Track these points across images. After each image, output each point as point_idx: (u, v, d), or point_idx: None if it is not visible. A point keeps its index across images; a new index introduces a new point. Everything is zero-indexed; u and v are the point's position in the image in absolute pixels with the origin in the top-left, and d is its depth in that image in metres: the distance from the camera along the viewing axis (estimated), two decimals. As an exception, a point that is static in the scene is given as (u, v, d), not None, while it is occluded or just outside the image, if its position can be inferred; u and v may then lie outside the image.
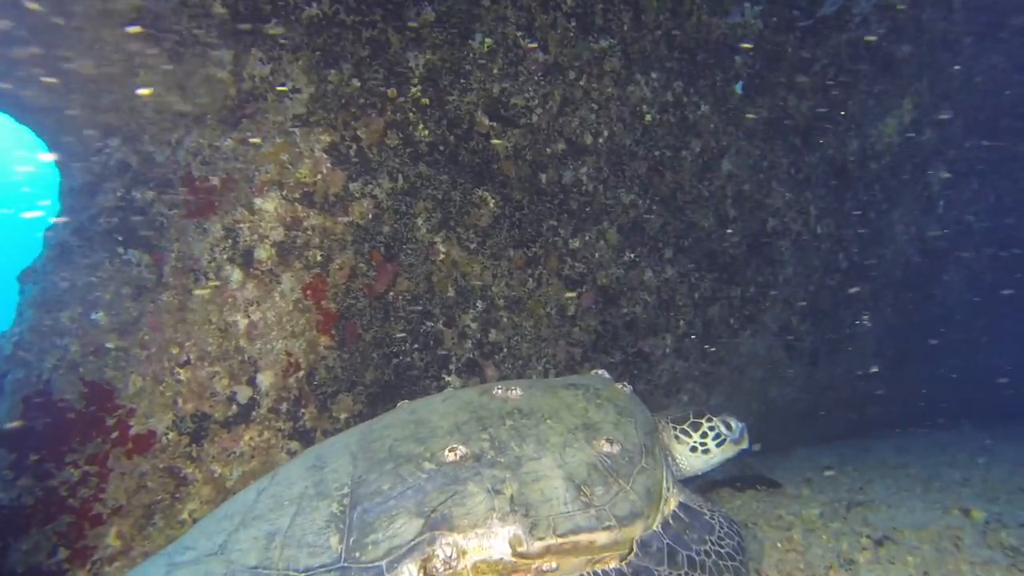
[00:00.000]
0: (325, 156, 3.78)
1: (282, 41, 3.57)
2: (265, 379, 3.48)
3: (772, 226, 5.50)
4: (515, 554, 2.30)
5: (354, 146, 3.89)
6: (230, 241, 3.48)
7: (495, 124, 4.42)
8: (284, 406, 3.54)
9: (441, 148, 4.21)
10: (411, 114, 4.09)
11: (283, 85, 3.64)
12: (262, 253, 3.54)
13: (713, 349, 5.38)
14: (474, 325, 4.27)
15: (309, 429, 3.62)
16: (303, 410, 3.60)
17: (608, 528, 2.44)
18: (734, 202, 5.29)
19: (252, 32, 3.46)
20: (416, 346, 4.03)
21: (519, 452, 2.61)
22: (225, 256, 3.46)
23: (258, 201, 3.57)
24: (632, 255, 5.01)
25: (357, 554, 2.23)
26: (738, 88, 5.18)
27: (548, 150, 4.63)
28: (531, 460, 2.59)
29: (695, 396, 5.44)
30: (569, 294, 4.69)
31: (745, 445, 3.41)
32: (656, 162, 5.01)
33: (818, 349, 6.06)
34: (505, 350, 4.41)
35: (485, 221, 4.34)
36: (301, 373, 3.60)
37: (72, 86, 3.14)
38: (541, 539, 2.31)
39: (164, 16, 3.11)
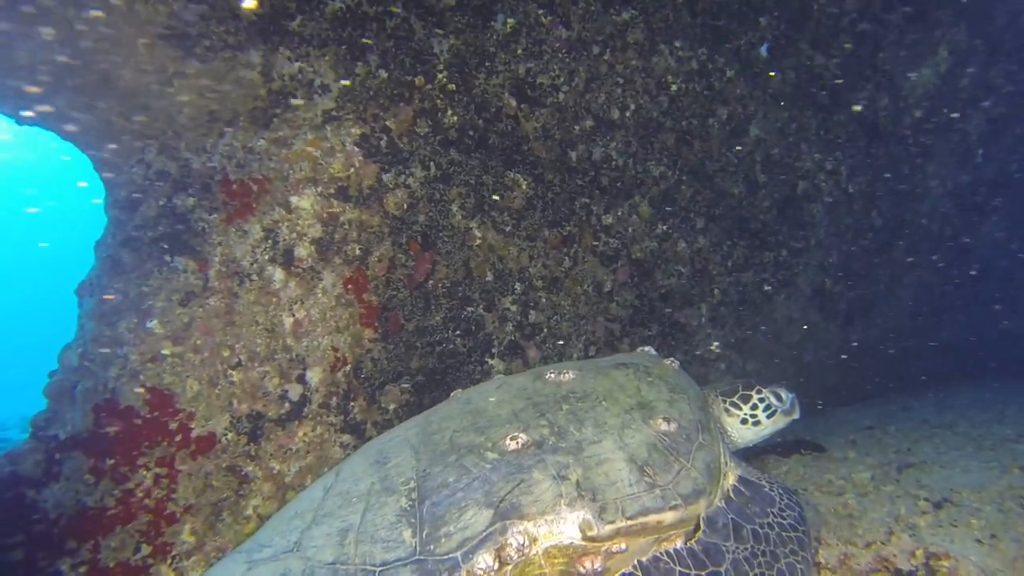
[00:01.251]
0: (357, 149, 3.75)
1: (308, 37, 3.53)
2: (314, 375, 3.51)
3: (802, 189, 5.40)
4: (585, 538, 2.31)
5: (384, 137, 3.86)
6: (270, 241, 3.48)
7: (523, 105, 4.36)
8: (334, 401, 3.57)
9: (471, 133, 4.16)
10: (439, 101, 4.04)
11: (312, 81, 3.61)
12: (302, 251, 3.54)
13: (747, 315, 5.35)
14: (514, 307, 4.26)
15: (359, 422, 3.66)
16: (352, 403, 3.63)
17: (674, 507, 2.44)
18: (763, 167, 5.18)
19: (279, 31, 3.43)
20: (458, 332, 4.04)
21: (579, 436, 2.61)
22: (266, 257, 3.46)
23: (294, 199, 3.56)
24: (664, 227, 4.96)
25: (431, 547, 2.25)
26: (763, 51, 5.05)
27: (576, 127, 4.56)
28: (592, 444, 2.58)
29: (732, 364, 5.42)
30: (605, 270, 4.66)
31: (796, 415, 3.38)
32: (684, 132, 4.92)
33: (853, 309, 5.99)
34: (545, 330, 4.40)
35: (518, 203, 4.30)
36: (348, 367, 3.62)
37: (111, 99, 3.14)
38: (611, 522, 2.31)
39: (194, 23, 3.08)
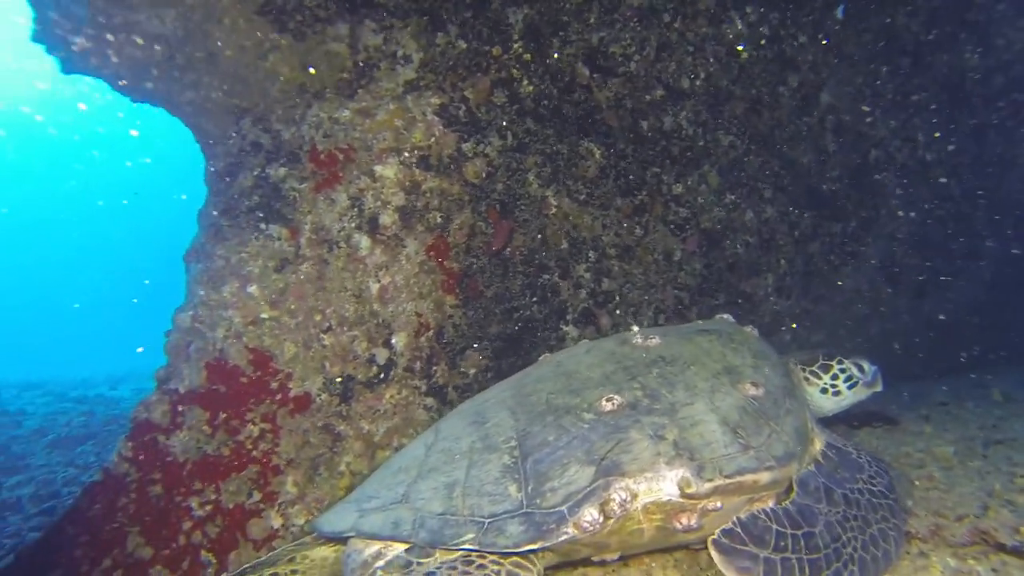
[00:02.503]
0: (437, 119, 3.78)
1: (392, 8, 3.56)
2: (399, 340, 3.59)
3: (875, 157, 5.25)
4: (684, 495, 2.35)
5: (463, 107, 3.88)
6: (356, 210, 3.55)
7: (595, 75, 4.33)
8: (418, 365, 3.66)
9: (545, 103, 4.15)
10: (515, 70, 4.03)
11: (394, 52, 3.65)
12: (386, 219, 3.60)
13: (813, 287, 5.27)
14: (587, 275, 4.28)
15: (441, 385, 3.74)
16: (435, 368, 3.71)
17: (769, 468, 2.46)
18: (834, 135, 5.04)
19: (366, 3, 3.46)
20: (535, 299, 4.08)
21: (671, 399, 2.63)
22: (353, 224, 3.54)
23: (378, 168, 3.62)
24: (733, 197, 4.89)
25: (537, 500, 2.32)
26: (839, 12, 4.89)
27: (647, 97, 4.50)
28: (684, 406, 2.61)
29: (797, 335, 5.36)
30: (675, 240, 4.64)
31: (879, 388, 3.33)
32: (753, 101, 4.82)
33: (926, 282, 5.82)
34: (617, 298, 4.41)
35: (592, 172, 4.29)
36: (431, 332, 3.69)
37: (214, 75, 3.23)
38: (710, 480, 2.35)
39: (289, -3, 3.15)
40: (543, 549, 2.25)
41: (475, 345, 3.83)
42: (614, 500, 2.29)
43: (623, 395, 2.59)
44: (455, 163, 3.80)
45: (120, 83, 3.31)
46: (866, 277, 5.51)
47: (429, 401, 3.66)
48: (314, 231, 3.43)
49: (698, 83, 4.60)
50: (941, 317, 6.05)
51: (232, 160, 3.45)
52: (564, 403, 2.62)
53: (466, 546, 2.25)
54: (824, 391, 3.28)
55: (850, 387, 3.26)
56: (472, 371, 3.82)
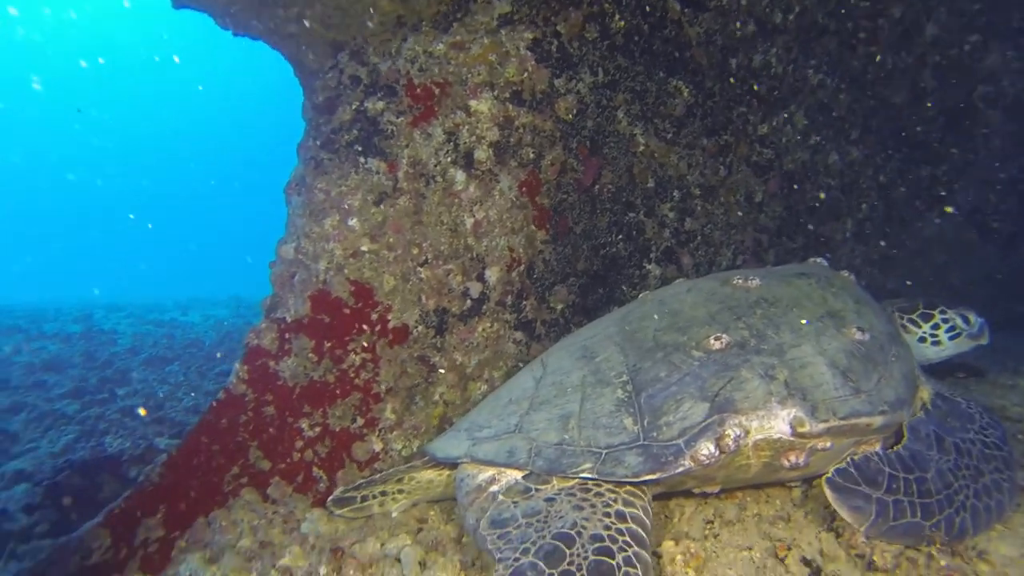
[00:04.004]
0: (530, 54, 3.60)
1: (491, -64, 3.35)
2: (492, 274, 3.54)
3: (982, 93, 4.85)
4: (796, 434, 2.28)
5: (555, 42, 3.68)
6: (452, 144, 3.45)
7: (686, 10, 4.06)
8: (509, 299, 3.61)
9: (636, 38, 3.92)
10: (606, 4, 3.78)
11: (491, -17, 3.45)
12: (481, 154, 3.49)
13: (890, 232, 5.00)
14: (671, 214, 4.14)
15: (530, 320, 3.70)
16: (525, 302, 3.67)
17: (883, 412, 2.37)
18: (935, 71, 4.68)
19: (466, -71, 3.26)
20: (620, 236, 3.97)
21: (778, 340, 2.53)
22: (449, 159, 3.44)
23: (473, 103, 3.48)
24: (818, 138, 4.62)
25: (654, 434, 2.29)
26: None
27: (738, 33, 4.22)
28: (792, 347, 2.51)
29: (873, 280, 5.14)
30: (757, 181, 4.43)
31: (984, 341, 3.15)
32: (848, 35, 4.49)
33: (1019, 230, 5.46)
34: (699, 238, 4.27)
35: (680, 111, 4.08)
36: (522, 267, 3.63)
37: (315, 8, 3.12)
38: (825, 421, 2.27)
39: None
40: (659, 480, 2.23)
41: (563, 281, 3.76)
42: (728, 436, 2.24)
43: (730, 334, 2.51)
44: (547, 99, 3.64)
45: (226, 19, 3.22)
46: (951, 224, 5.21)
47: (518, 335, 3.64)
48: (411, 165, 3.35)
49: (791, 17, 4.28)
50: (1016, 268, 5.69)
51: (330, 94, 3.36)
52: (672, 340, 2.55)
53: (584, 475, 2.24)
54: (923, 340, 3.13)
55: (952, 338, 3.11)
56: (559, 306, 3.77)
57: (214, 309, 18.27)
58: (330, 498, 2.93)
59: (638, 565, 1.96)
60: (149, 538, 2.80)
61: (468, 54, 3.48)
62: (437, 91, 3.43)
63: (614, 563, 1.93)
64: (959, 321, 3.11)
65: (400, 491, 2.96)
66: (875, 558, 2.21)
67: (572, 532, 2.01)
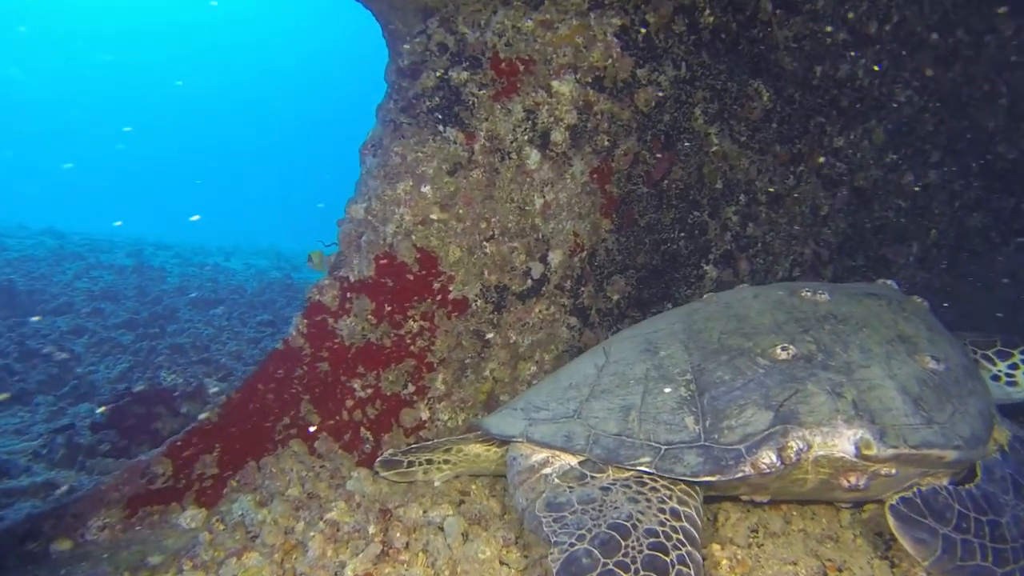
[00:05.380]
0: (616, 40, 3.50)
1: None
2: (555, 257, 3.49)
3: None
4: (860, 456, 2.20)
5: (642, 31, 3.57)
6: (530, 122, 3.38)
7: (778, 11, 3.90)
8: (568, 284, 3.56)
9: (723, 36, 3.78)
10: (699, -2, 3.69)
11: (588, -36, 3.36)
12: (557, 136, 3.42)
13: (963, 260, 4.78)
14: (735, 218, 4.02)
15: (586, 307, 3.65)
16: (583, 288, 3.61)
17: (957, 448, 2.26)
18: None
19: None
20: (683, 234, 3.87)
21: (847, 358, 2.44)
22: (525, 137, 3.38)
23: (555, 83, 3.40)
24: (895, 156, 4.44)
25: (715, 436, 2.23)
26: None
27: (828, 40, 4.06)
28: (861, 367, 2.42)
29: (933, 309, 4.94)
30: (825, 194, 4.29)
31: None
32: (948, 50, 4.27)
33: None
34: (759, 245, 4.15)
35: (757, 115, 3.94)
36: (584, 253, 3.57)
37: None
38: (894, 447, 2.19)
39: None
40: (717, 483, 2.18)
41: (622, 272, 3.69)
42: (791, 447, 2.17)
43: (797, 346, 2.42)
44: (628, 88, 3.55)
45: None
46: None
47: (573, 320, 3.59)
48: (488, 139, 3.30)
49: (888, 27, 4.10)
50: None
51: (416, 59, 3.31)
52: (737, 345, 2.48)
53: (641, 468, 2.20)
54: (996, 378, 2.99)
55: None
56: (616, 297, 3.71)
57: (254, 258, 18.55)
58: (379, 459, 2.94)
59: (691, 565, 1.92)
60: (205, 474, 2.84)
61: (556, 34, 3.40)
62: (521, 67, 3.36)
63: (668, 560, 1.89)
64: (1040, 362, 2.98)
65: (446, 461, 2.95)
66: (933, 595, 2.14)
67: (628, 524, 1.97)
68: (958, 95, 4.33)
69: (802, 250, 4.32)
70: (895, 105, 4.26)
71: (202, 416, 2.87)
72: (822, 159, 4.19)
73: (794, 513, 2.70)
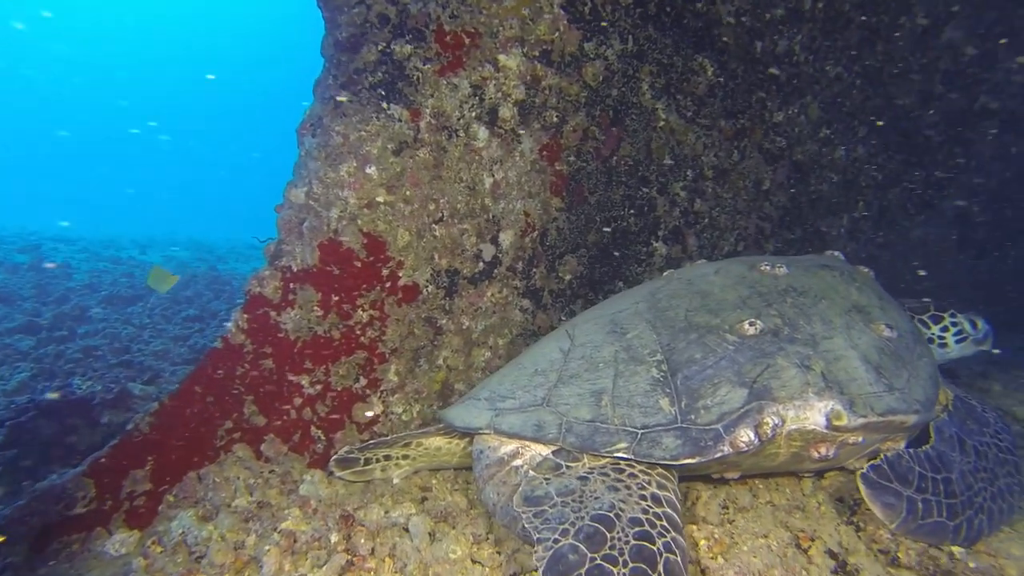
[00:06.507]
0: (563, 13, 3.35)
1: None
2: (506, 238, 3.34)
3: (982, 104, 4.84)
4: (831, 427, 2.19)
5: (590, 4, 3.45)
6: (477, 99, 3.20)
7: (719, -16, 3.87)
8: (520, 265, 3.43)
9: (668, 10, 3.70)
10: (644, -31, 3.59)
11: (532, -70, 3.18)
12: (506, 112, 3.26)
13: (882, 234, 4.99)
14: (683, 194, 3.99)
15: (538, 288, 3.53)
16: (535, 270, 3.49)
17: (916, 412, 2.30)
18: (944, 77, 4.64)
19: None
20: (632, 211, 3.80)
21: (811, 330, 2.43)
22: (473, 114, 3.20)
23: (502, 58, 3.24)
24: (828, 131, 4.54)
25: (691, 416, 2.16)
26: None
27: (767, 15, 4.06)
28: (824, 339, 2.41)
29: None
30: (767, 168, 4.32)
31: (987, 347, 3.15)
32: (871, 30, 4.38)
33: (989, 240, 5.53)
34: (706, 220, 4.15)
35: (702, 89, 3.92)
36: (535, 233, 3.44)
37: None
38: (863, 416, 2.19)
39: None
40: (697, 464, 2.11)
41: (574, 251, 3.59)
42: (767, 423, 2.13)
43: (763, 321, 2.39)
44: (576, 62, 3.42)
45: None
46: (936, 229, 5.24)
47: (525, 303, 3.47)
48: (434, 116, 3.10)
49: (820, 5, 4.14)
50: (982, 278, 5.77)
51: (355, 31, 3.06)
52: (704, 322, 2.42)
53: (619, 454, 2.11)
54: (930, 341, 3.09)
55: (958, 341, 3.08)
56: (568, 277, 3.61)
57: (173, 250, 17.45)
58: (334, 457, 2.74)
59: (677, 551, 1.85)
60: (136, 491, 2.55)
61: (501, 5, 3.22)
62: (467, 41, 3.17)
63: (655, 548, 1.81)
64: (967, 326, 3.09)
65: (405, 456, 2.78)
66: (899, 555, 2.17)
67: (611, 515, 1.88)
68: (880, 73, 4.44)
69: (746, 224, 4.36)
70: (827, 81, 4.33)
71: (130, 426, 2.57)
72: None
73: (759, 486, 2.69)
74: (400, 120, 3.03)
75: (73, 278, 10.25)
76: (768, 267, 2.74)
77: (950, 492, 2.21)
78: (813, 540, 2.23)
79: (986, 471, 2.37)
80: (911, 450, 2.30)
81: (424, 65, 3.09)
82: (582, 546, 1.77)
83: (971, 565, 2.05)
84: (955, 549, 2.15)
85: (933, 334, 3.10)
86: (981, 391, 3.96)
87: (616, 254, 3.77)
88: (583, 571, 1.71)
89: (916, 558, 2.13)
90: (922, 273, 4.66)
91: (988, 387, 3.97)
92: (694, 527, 2.29)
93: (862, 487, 2.16)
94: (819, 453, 2.28)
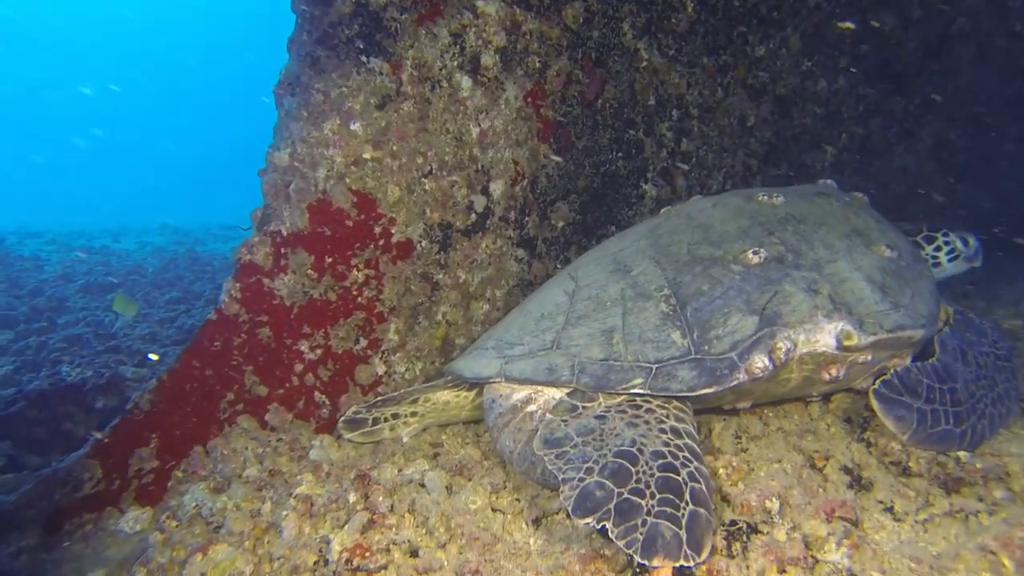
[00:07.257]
0: (538, -49, 3.24)
1: None
2: (497, 188, 3.26)
3: (958, 27, 4.79)
4: (842, 348, 2.19)
5: (564, -61, 3.33)
6: (458, 47, 3.07)
7: (696, -87, 3.74)
8: (512, 214, 3.35)
9: (644, -58, 3.60)
10: (618, -100, 3.44)
11: None
12: (487, 60, 3.14)
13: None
14: (669, 134, 3.92)
15: (532, 237, 3.46)
16: (527, 218, 3.41)
17: (923, 326, 2.31)
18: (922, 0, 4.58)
19: None
20: (620, 154, 3.73)
21: (814, 255, 2.42)
22: (455, 63, 3.07)
23: (480, 4, 3.09)
24: (809, 63, 4.47)
25: (705, 347, 2.14)
26: None
27: (744, -57, 3.95)
28: (828, 263, 2.40)
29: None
30: (751, 104, 4.26)
31: (978, 263, 3.17)
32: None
33: (968, 165, 5.54)
34: (694, 159, 4.09)
35: (683, 27, 3.81)
36: (526, 182, 3.36)
37: None
38: (873, 334, 2.18)
39: None
40: (713, 394, 2.10)
41: (564, 198, 3.52)
42: (780, 348, 2.12)
43: (767, 249, 2.37)
44: (555, 5, 3.29)
45: None
46: (915, 157, 5.24)
47: (520, 253, 3.41)
48: (416, 67, 2.97)
49: (797, -69, 4.03)
50: (961, 202, 5.81)
51: (326, -19, 2.90)
52: (708, 254, 2.39)
53: (635, 390, 2.08)
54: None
55: (951, 259, 3.10)
56: (560, 224, 3.55)
57: (147, 236, 17.01)
58: (341, 418, 2.69)
59: (701, 479, 1.84)
60: (143, 468, 2.48)
61: (474, -55, 3.07)
62: (442, -15, 3.02)
63: (680, 479, 1.80)
64: (959, 244, 3.10)
65: (413, 413, 2.74)
66: (910, 464, 2.20)
67: (633, 450, 1.86)
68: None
69: (733, 162, 4.31)
70: (807, 11, 4.25)
71: (129, 406, 2.49)
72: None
73: (769, 415, 2.71)
74: (381, 73, 2.90)
75: (45, 270, 9.95)
76: (765, 197, 2.71)
77: (956, 400, 2.24)
78: (827, 459, 2.24)
79: (986, 378, 2.41)
80: (918, 363, 2.31)
81: (401, 15, 2.95)
82: (608, 482, 1.75)
83: (978, 466, 2.08)
84: (961, 454, 2.19)
85: (927, 254, 3.11)
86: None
87: (607, 198, 3.71)
88: (611, 506, 1.69)
89: (926, 466, 2.16)
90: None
91: (972, 305, 4.03)
92: (711, 458, 2.29)
93: (874, 402, 2.17)
94: (830, 375, 2.29)
